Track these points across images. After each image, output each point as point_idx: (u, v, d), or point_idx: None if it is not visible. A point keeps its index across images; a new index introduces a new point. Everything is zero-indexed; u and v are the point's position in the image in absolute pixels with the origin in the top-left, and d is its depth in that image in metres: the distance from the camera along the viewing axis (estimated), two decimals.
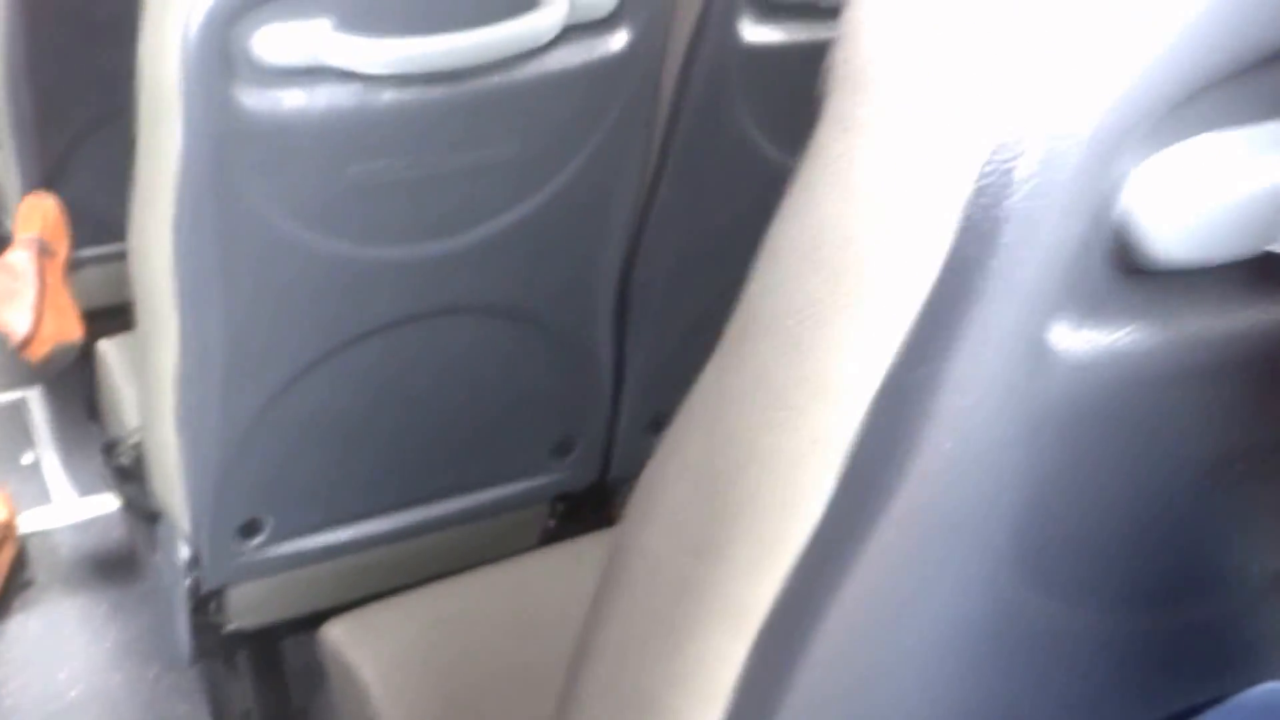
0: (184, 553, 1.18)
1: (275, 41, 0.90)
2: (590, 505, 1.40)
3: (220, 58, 0.89)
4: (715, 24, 1.07)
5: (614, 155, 1.08)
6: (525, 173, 1.06)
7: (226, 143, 0.93)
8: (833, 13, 1.10)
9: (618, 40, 1.02)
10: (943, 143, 0.39)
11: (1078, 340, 0.41)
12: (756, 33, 1.09)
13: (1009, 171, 0.37)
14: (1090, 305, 0.41)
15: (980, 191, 0.38)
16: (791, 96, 1.11)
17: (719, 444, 0.47)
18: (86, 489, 1.76)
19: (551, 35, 0.98)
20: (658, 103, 1.10)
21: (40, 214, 1.40)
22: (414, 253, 1.06)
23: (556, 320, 1.19)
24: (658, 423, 1.34)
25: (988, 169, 0.38)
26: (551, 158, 1.06)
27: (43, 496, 1.76)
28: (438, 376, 1.17)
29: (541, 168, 1.06)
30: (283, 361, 1.09)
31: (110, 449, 1.28)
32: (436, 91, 0.96)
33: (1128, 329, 0.42)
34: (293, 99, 0.93)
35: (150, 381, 1.11)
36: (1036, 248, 0.38)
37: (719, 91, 1.11)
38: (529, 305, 1.16)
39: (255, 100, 0.92)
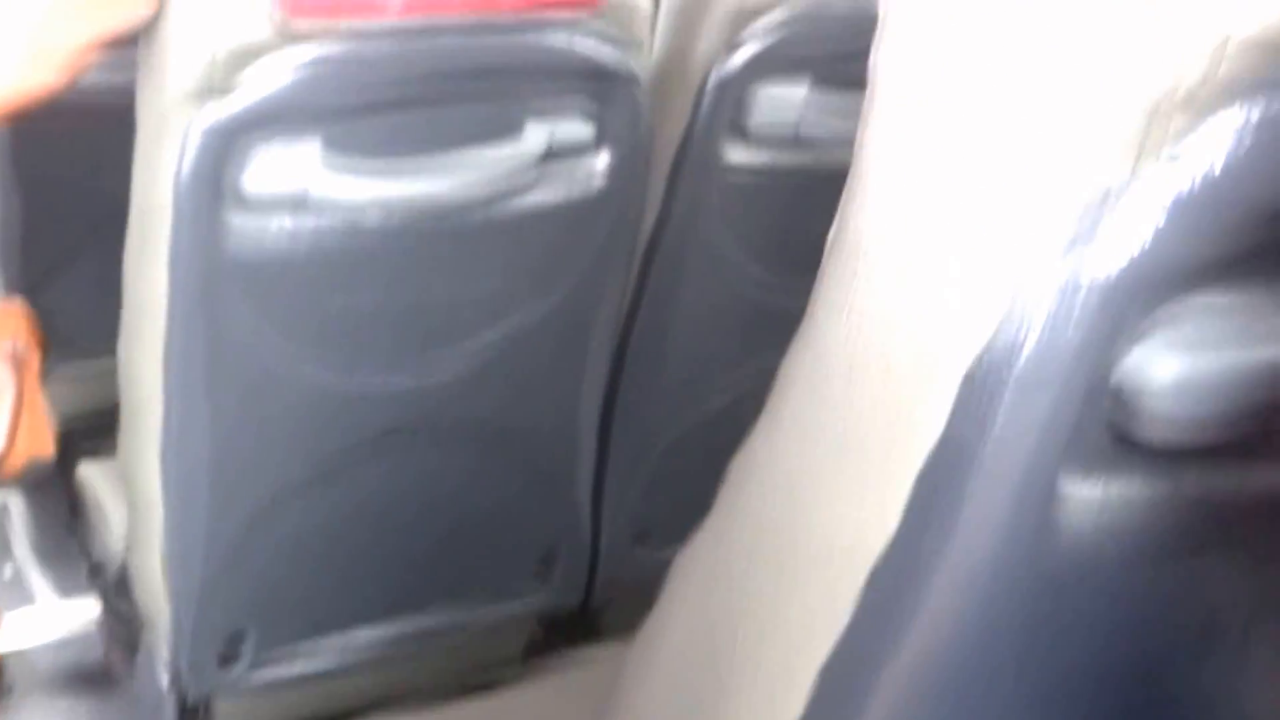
0: (166, 669, 1.17)
1: (265, 172, 0.91)
2: (575, 618, 1.40)
3: (211, 187, 0.90)
4: (697, 149, 1.09)
5: (596, 280, 1.10)
6: (509, 299, 1.07)
7: (215, 270, 0.94)
8: (811, 143, 1.13)
9: (598, 171, 1.04)
10: (944, 319, 0.39)
11: (1080, 504, 0.41)
12: (737, 156, 1.11)
13: (1010, 349, 0.38)
14: (1091, 470, 0.41)
15: (981, 367, 0.39)
16: (772, 218, 1.14)
17: (717, 605, 0.48)
18: (67, 597, 1.73)
19: (532, 169, 1.00)
20: (640, 227, 1.11)
21: (13, 323, 1.40)
22: (398, 377, 1.07)
23: (538, 441, 1.20)
24: (640, 540, 1.34)
25: (989, 346, 0.39)
26: (535, 286, 1.07)
27: (24, 601, 1.74)
28: (419, 497, 1.17)
29: (525, 295, 1.07)
30: (267, 483, 1.09)
31: (96, 570, 1.27)
32: (421, 222, 0.98)
33: (1129, 492, 0.42)
34: (280, 228, 0.94)
35: (136, 503, 1.11)
36: (1036, 422, 0.39)
37: (700, 214, 1.13)
38: (511, 428, 1.17)
39: (244, 229, 0.93)
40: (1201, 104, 0.36)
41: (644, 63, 1.02)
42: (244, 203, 0.93)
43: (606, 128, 1.02)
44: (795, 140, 1.09)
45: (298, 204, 0.94)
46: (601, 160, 1.04)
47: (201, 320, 0.96)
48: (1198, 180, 0.37)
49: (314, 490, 1.11)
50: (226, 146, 0.89)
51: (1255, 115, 0.36)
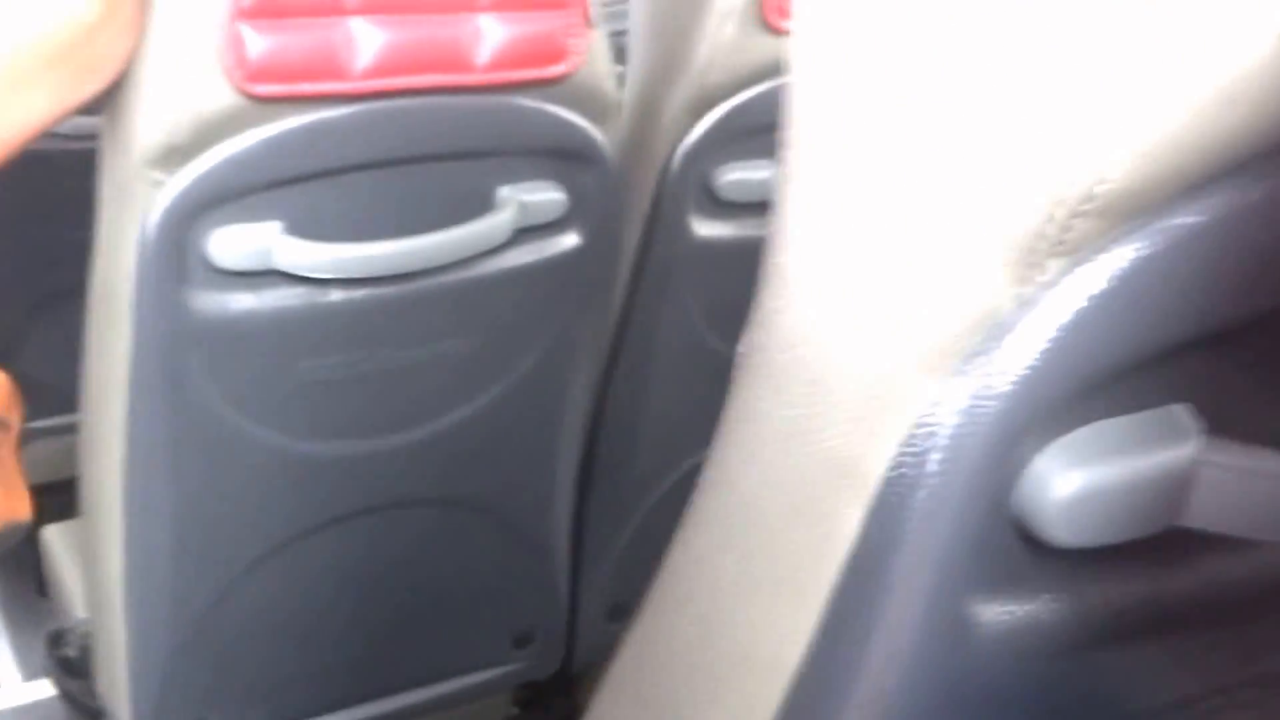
0: None
1: (227, 244, 0.91)
2: (553, 691, 1.38)
3: (174, 259, 0.90)
4: (665, 220, 1.09)
5: (568, 351, 1.09)
6: (479, 368, 1.06)
7: (177, 342, 0.93)
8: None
9: (569, 240, 1.04)
10: (851, 430, 0.39)
11: (994, 614, 0.41)
12: (706, 228, 1.11)
13: (916, 463, 0.38)
14: (1004, 580, 0.41)
15: (887, 481, 0.38)
16: (741, 288, 1.13)
17: (644, 714, 0.47)
18: (33, 673, 1.71)
19: (502, 240, 0.99)
20: (611, 297, 1.11)
21: None
22: (366, 447, 1.06)
23: (513, 512, 1.18)
24: (619, 610, 1.32)
25: (896, 460, 0.38)
26: (505, 354, 1.07)
27: None
28: (391, 569, 1.16)
29: (495, 364, 1.07)
30: (233, 556, 1.07)
31: (56, 639, 1.25)
32: (387, 291, 0.97)
33: (1042, 601, 0.42)
34: (243, 300, 0.94)
35: (96, 575, 1.09)
36: (944, 534, 0.38)
37: (670, 285, 1.12)
38: (484, 497, 1.16)
39: (206, 301, 0.93)
40: (1097, 217, 0.36)
41: (612, 134, 1.02)
42: (207, 273, 0.92)
43: (578, 198, 1.02)
44: (763, 211, 1.09)
45: (262, 274, 0.94)
46: (573, 230, 1.04)
47: (164, 391, 0.96)
48: (1091, 296, 0.37)
49: (282, 565, 1.10)
50: (189, 217, 0.89)
51: (1146, 236, 0.36)
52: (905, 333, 0.39)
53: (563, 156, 1.00)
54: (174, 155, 0.87)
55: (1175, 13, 0.33)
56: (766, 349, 0.43)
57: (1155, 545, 0.41)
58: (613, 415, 1.19)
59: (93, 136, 0.92)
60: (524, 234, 1.01)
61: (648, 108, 1.09)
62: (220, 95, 0.86)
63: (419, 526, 1.15)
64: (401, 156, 0.94)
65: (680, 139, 1.07)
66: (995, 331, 0.37)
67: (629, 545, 1.27)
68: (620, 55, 1.11)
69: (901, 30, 0.38)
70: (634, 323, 1.14)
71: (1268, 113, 0.35)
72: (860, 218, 0.40)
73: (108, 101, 0.88)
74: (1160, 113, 0.34)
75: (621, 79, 1.09)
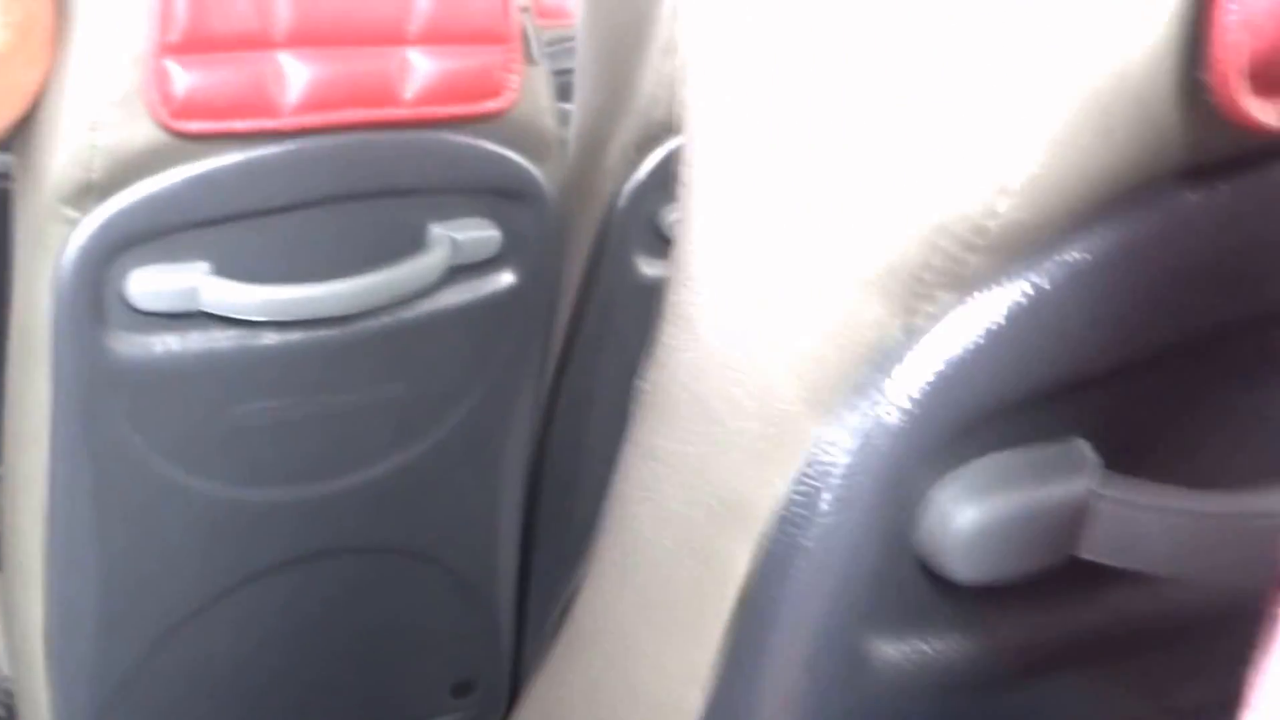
0: None
1: (150, 285, 0.88)
2: None
3: (92, 301, 0.87)
4: (608, 260, 1.07)
5: (507, 393, 1.06)
6: (415, 412, 1.03)
7: (98, 387, 0.90)
8: None
9: (504, 280, 1.01)
10: (742, 470, 0.38)
11: (898, 652, 0.40)
12: (651, 266, 1.09)
13: (806, 501, 0.37)
14: (907, 617, 0.40)
15: (778, 519, 0.37)
16: None
17: None
18: None
19: (435, 279, 0.96)
20: (552, 337, 1.09)
21: None
22: (301, 494, 1.03)
23: (454, 558, 1.15)
24: None
25: (786, 499, 0.38)
26: (441, 397, 1.04)
27: None
28: (326, 619, 1.12)
29: (431, 407, 1.04)
30: (162, 609, 1.03)
31: None
32: (318, 334, 0.94)
33: (948, 638, 0.41)
34: (168, 344, 0.90)
35: (17, 630, 1.05)
36: (838, 571, 0.37)
37: (610, 326, 1.10)
38: (425, 544, 1.13)
39: (127, 344, 0.89)
40: (988, 251, 0.36)
41: (553, 172, 1.00)
42: (129, 317, 0.89)
43: (514, 237, 1.00)
44: None
45: (187, 316, 0.90)
46: (509, 270, 1.01)
47: (86, 437, 0.92)
48: (981, 329, 0.36)
49: (214, 617, 1.06)
50: (108, 258, 0.86)
51: (1038, 271, 0.36)
52: (797, 368, 0.38)
53: (499, 194, 0.98)
54: (91, 192, 0.83)
55: (1051, 47, 0.33)
56: (664, 386, 0.42)
57: (1060, 579, 0.40)
58: (555, 460, 1.17)
59: (5, 175, 0.89)
60: (458, 274, 0.99)
61: (593, 146, 1.07)
62: (143, 131, 0.83)
63: (357, 574, 1.12)
64: (332, 195, 0.92)
65: (626, 177, 1.05)
66: (884, 364, 0.37)
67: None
68: (565, 93, 1.09)
69: (790, 66, 0.38)
70: (575, 365, 1.12)
71: (1146, 145, 0.35)
72: (753, 253, 0.39)
73: (19, 136, 0.85)
74: (1042, 145, 0.34)
75: (566, 117, 1.07)
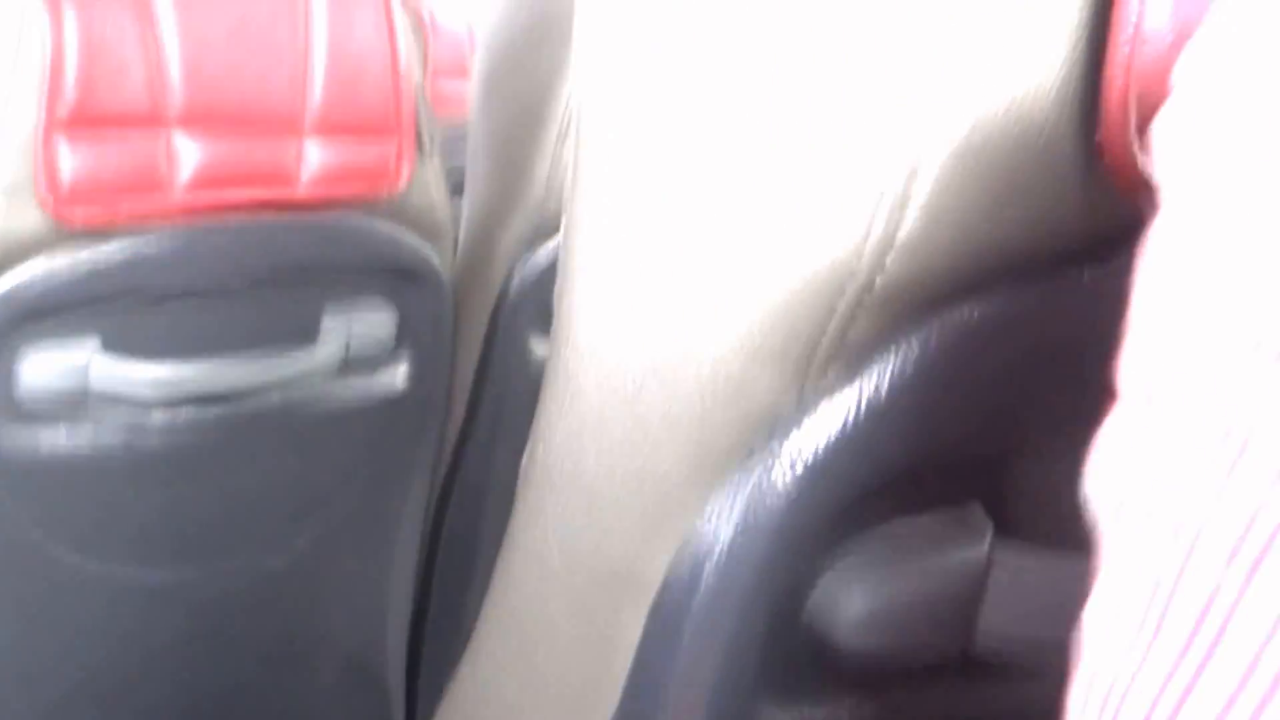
0: None
1: (37, 373, 0.86)
2: None
3: None
4: (502, 344, 1.07)
5: (400, 482, 1.05)
6: (306, 497, 1.02)
7: None
8: None
9: (398, 374, 1.01)
10: (629, 539, 0.38)
11: (786, 718, 0.39)
12: (545, 349, 1.09)
13: (691, 571, 0.36)
14: (799, 686, 0.39)
15: (665, 587, 0.37)
16: None
17: None
18: None
19: (330, 360, 0.96)
20: (445, 425, 1.08)
21: None
22: (194, 578, 1.00)
23: (345, 645, 1.13)
24: None
25: (672, 567, 0.37)
26: (333, 482, 1.03)
27: None
28: (219, 703, 1.09)
29: (323, 492, 1.03)
30: (49, 697, 1.00)
31: None
32: (211, 419, 0.93)
33: (833, 706, 0.40)
34: (57, 430, 0.88)
35: None
36: (725, 640, 0.37)
37: (505, 410, 1.10)
38: (315, 629, 1.10)
39: (15, 433, 0.87)
40: (877, 311, 0.35)
41: (445, 255, 1.00)
42: (14, 407, 0.87)
43: (408, 321, 1.00)
44: None
45: (75, 405, 0.88)
46: (403, 356, 1.01)
47: None
48: (870, 396, 0.36)
49: (104, 703, 1.02)
50: None
51: (926, 334, 0.36)
52: (684, 435, 0.37)
53: (393, 273, 0.98)
54: None
55: (946, 111, 0.33)
56: (547, 456, 0.41)
57: (947, 662, 0.40)
58: (449, 547, 1.16)
59: None
60: (354, 360, 0.98)
61: (485, 235, 1.08)
62: (27, 218, 0.82)
63: (252, 656, 1.09)
64: (224, 279, 0.91)
65: (520, 265, 1.06)
66: (776, 431, 0.36)
67: None
68: (458, 189, 1.10)
69: (670, 127, 0.38)
70: (471, 452, 1.11)
71: (1039, 215, 0.34)
72: (638, 318, 0.39)
73: None
74: (929, 201, 0.33)
75: (459, 211, 1.08)
